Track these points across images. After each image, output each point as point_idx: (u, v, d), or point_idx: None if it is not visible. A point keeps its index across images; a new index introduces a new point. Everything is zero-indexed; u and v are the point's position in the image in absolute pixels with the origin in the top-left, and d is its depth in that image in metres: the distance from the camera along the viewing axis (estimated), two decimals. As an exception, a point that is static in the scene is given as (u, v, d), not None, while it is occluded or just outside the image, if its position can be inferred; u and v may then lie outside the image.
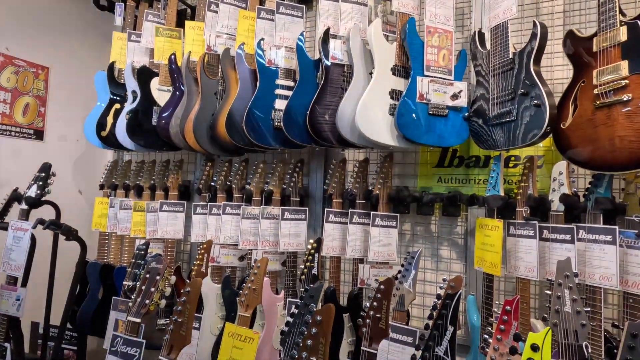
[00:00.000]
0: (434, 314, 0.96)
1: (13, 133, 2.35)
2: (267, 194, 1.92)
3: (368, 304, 1.10)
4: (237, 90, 1.86)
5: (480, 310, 1.48)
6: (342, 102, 1.56)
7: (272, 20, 1.86)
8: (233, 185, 2.04)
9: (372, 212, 1.65)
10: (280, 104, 1.76)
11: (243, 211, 1.94)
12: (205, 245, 1.85)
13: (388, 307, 1.07)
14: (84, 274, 2.34)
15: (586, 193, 1.37)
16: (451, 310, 0.92)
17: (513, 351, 0.88)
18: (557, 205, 1.38)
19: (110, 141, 2.22)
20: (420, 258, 1.48)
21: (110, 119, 2.23)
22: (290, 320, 1.09)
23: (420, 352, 0.94)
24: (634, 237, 1.23)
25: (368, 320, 1.06)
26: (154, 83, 2.15)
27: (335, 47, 1.64)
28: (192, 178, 2.41)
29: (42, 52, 2.45)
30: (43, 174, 1.80)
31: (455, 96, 1.54)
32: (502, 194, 1.46)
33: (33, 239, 1.68)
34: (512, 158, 1.61)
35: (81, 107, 2.52)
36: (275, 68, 1.81)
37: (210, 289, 1.93)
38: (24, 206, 1.76)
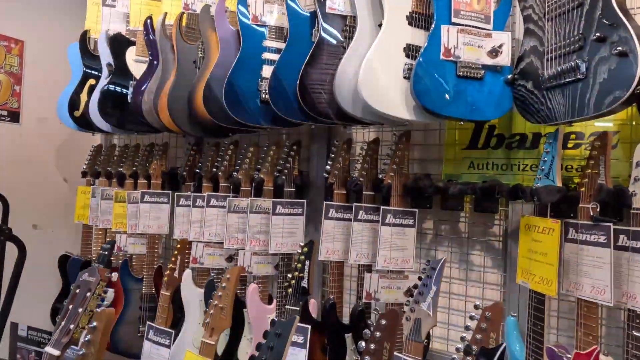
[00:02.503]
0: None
1: (-17, 115, 2.12)
2: (258, 183, 1.59)
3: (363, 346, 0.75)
4: (217, 56, 1.52)
5: (525, 337, 1.11)
6: (342, 63, 1.19)
7: (260, -33, 1.49)
8: (220, 173, 1.71)
9: (382, 207, 1.29)
10: (269, 71, 1.41)
11: (230, 203, 1.61)
12: (179, 246, 1.53)
13: (391, 349, 0.72)
14: (65, 272, 2.12)
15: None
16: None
17: None
18: (641, 201, 0.97)
19: (84, 122, 1.93)
20: (444, 268, 1.12)
21: (84, 97, 1.95)
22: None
23: None
24: None
25: (363, 371, 0.72)
26: (130, 53, 1.84)
27: (334, -7, 1.26)
28: (182, 164, 2.10)
29: (15, 23, 2.19)
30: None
31: (494, 52, 1.14)
32: (559, 184, 1.07)
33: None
34: (572, 136, 1.20)
35: (61, 84, 2.24)
36: (262, 26, 1.45)
37: (193, 295, 1.63)
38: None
